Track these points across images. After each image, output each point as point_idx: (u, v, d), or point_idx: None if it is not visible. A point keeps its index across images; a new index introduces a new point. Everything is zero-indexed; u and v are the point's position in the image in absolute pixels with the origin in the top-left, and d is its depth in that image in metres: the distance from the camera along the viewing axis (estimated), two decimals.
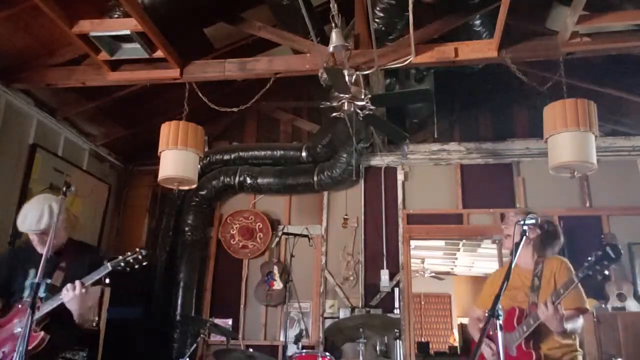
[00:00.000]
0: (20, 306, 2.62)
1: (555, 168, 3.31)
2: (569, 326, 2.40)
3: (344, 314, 5.17)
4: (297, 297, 4.98)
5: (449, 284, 11.94)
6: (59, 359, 2.67)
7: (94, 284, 2.60)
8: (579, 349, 2.56)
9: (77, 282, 2.47)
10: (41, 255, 2.59)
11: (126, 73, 4.05)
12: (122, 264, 2.55)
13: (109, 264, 2.56)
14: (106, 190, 5.56)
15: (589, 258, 2.21)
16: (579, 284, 2.43)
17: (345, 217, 5.40)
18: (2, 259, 2.96)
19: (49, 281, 2.58)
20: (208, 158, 5.51)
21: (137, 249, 2.59)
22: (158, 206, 5.79)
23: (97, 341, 4.38)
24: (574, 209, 5.11)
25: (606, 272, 2.19)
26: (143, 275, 5.25)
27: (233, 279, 5.54)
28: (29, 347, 2.38)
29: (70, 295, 2.46)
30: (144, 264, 2.58)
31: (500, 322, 1.96)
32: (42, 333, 2.51)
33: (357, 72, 3.67)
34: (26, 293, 2.64)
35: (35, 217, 2.57)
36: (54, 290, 2.55)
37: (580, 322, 2.51)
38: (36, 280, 2.25)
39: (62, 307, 2.51)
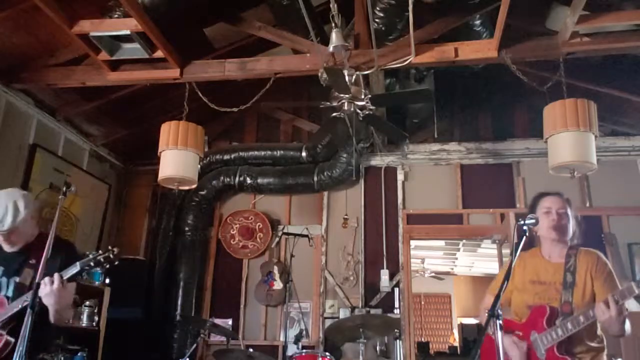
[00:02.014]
0: None
1: (555, 168, 3.31)
2: (626, 327, 2.21)
3: (344, 314, 5.17)
4: (297, 297, 4.97)
5: (449, 284, 11.93)
6: None
7: (68, 280, 2.36)
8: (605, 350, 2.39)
9: (56, 275, 2.25)
10: (8, 253, 2.45)
11: (126, 73, 4.05)
12: (92, 263, 2.35)
13: (78, 264, 2.34)
14: (106, 190, 5.56)
15: None
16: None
17: (345, 217, 5.40)
18: None
19: (17, 279, 2.42)
20: (208, 158, 5.51)
21: (110, 247, 2.40)
22: (158, 206, 5.79)
23: (97, 341, 4.39)
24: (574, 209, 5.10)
25: None
26: (143, 275, 5.27)
27: (233, 279, 5.54)
28: None
29: (47, 290, 2.22)
30: (116, 263, 2.38)
31: (501, 322, 1.94)
32: (6, 337, 2.31)
33: (357, 72, 3.67)
34: None
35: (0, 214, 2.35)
36: (22, 290, 2.37)
37: (629, 324, 2.25)
38: (37, 279, 2.18)
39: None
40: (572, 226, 2.49)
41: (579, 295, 2.35)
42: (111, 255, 2.37)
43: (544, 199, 2.53)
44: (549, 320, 2.34)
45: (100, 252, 2.38)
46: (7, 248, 2.48)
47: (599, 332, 2.38)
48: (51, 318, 2.36)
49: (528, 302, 2.46)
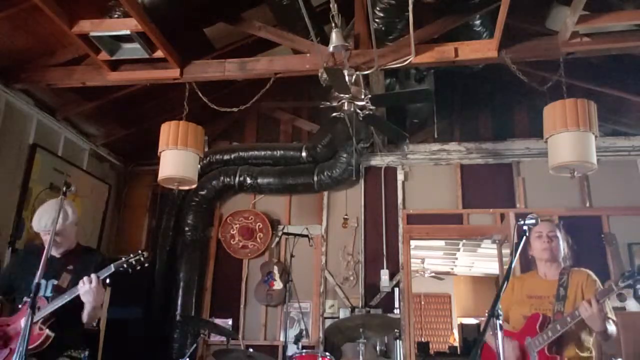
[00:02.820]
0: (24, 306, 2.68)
1: (555, 168, 3.31)
2: (610, 327, 2.42)
3: (344, 314, 5.17)
4: (297, 297, 4.97)
5: (449, 284, 11.93)
6: (64, 357, 2.72)
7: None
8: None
9: (93, 275, 2.57)
10: (51, 257, 2.69)
11: (126, 73, 4.04)
12: (125, 265, 2.66)
13: (112, 266, 2.66)
14: (106, 190, 5.56)
15: (629, 269, 2.31)
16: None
17: (345, 217, 5.40)
18: (14, 261, 3.12)
19: (55, 282, 2.71)
20: (208, 158, 5.51)
21: (140, 251, 2.70)
22: (158, 206, 5.79)
23: (97, 341, 4.39)
24: (574, 209, 5.11)
25: None
26: (143, 275, 5.26)
27: (233, 279, 5.54)
28: (34, 345, 2.50)
29: (86, 288, 2.55)
30: (146, 265, 2.69)
31: (500, 321, 1.96)
32: (47, 331, 2.57)
33: (357, 72, 3.67)
34: None
35: (51, 218, 2.63)
36: (60, 292, 2.64)
37: (614, 327, 2.50)
38: (36, 280, 2.25)
39: (70, 306, 2.58)
40: (563, 248, 2.77)
41: (570, 305, 2.56)
42: (142, 258, 2.69)
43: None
44: (541, 326, 2.54)
45: (131, 255, 2.69)
46: (52, 250, 2.69)
47: (589, 344, 2.58)
48: (85, 316, 2.66)
49: (524, 313, 2.67)
